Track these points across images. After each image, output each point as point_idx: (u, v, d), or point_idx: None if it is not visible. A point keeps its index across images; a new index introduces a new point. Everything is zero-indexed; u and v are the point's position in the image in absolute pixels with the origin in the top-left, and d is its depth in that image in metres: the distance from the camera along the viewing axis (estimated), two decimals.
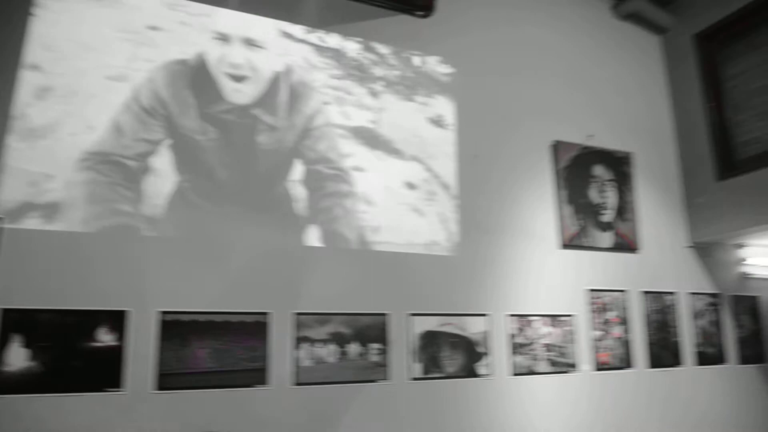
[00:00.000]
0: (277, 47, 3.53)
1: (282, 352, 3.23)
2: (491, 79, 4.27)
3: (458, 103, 4.06)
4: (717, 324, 4.85)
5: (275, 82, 3.50)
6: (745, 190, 4.50)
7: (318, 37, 3.71)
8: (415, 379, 3.51)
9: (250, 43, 3.47)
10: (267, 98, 3.47)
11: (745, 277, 5.17)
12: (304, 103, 3.53)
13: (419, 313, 3.60)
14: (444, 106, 4.00)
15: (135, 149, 3.10)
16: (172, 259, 3.08)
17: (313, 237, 3.41)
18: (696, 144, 4.90)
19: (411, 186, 3.76)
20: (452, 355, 3.65)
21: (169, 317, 3.01)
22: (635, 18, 5.10)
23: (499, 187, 4.09)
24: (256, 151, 3.38)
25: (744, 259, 5.17)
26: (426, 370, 3.54)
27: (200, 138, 3.25)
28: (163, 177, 3.15)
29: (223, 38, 3.41)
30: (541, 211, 4.20)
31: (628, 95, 4.93)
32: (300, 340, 3.28)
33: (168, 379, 2.96)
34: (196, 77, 3.31)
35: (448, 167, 3.92)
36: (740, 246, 5.17)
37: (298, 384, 3.23)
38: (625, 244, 4.45)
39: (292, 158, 3.47)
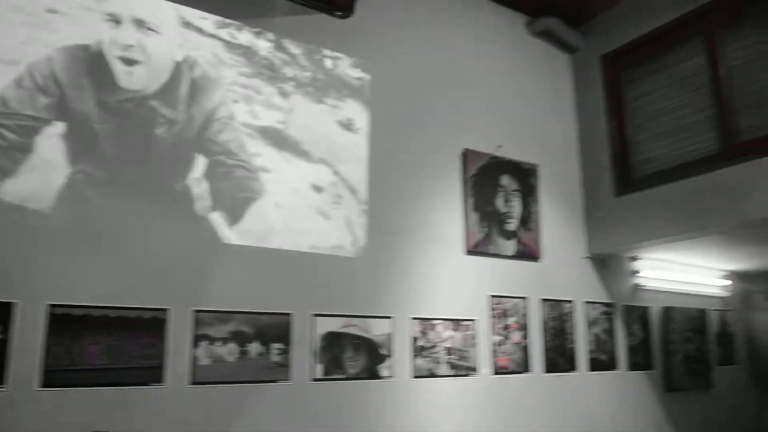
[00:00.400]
0: (177, 36, 3.46)
1: (180, 350, 3.19)
2: (405, 84, 4.37)
3: (370, 108, 4.13)
4: (610, 332, 5.15)
5: (176, 73, 3.44)
6: (641, 206, 4.82)
7: (229, 33, 3.68)
8: (317, 380, 3.54)
9: (142, 24, 3.38)
10: (167, 90, 3.40)
11: (637, 289, 5.54)
12: (207, 98, 3.49)
13: (323, 314, 3.63)
14: (355, 110, 4.06)
15: (20, 122, 2.95)
16: (65, 251, 2.98)
17: (215, 233, 3.38)
18: (598, 160, 5.20)
19: (318, 189, 3.80)
20: (355, 356, 3.71)
21: (59, 311, 2.91)
22: (548, 36, 5.36)
23: (408, 193, 4.20)
24: (155, 143, 3.31)
25: (637, 272, 5.53)
26: (328, 371, 3.58)
27: (97, 127, 3.15)
28: (55, 165, 3.04)
29: (115, 19, 3.30)
30: (448, 217, 4.34)
31: (537, 109, 5.17)
32: (199, 338, 3.24)
33: (56, 376, 2.85)
34: (94, 63, 3.21)
35: (356, 171, 3.99)
36: (634, 259, 5.52)
37: (196, 383, 3.19)
38: (528, 253, 4.66)
39: (194, 152, 3.42)
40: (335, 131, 3.95)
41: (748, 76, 4.40)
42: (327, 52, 4.02)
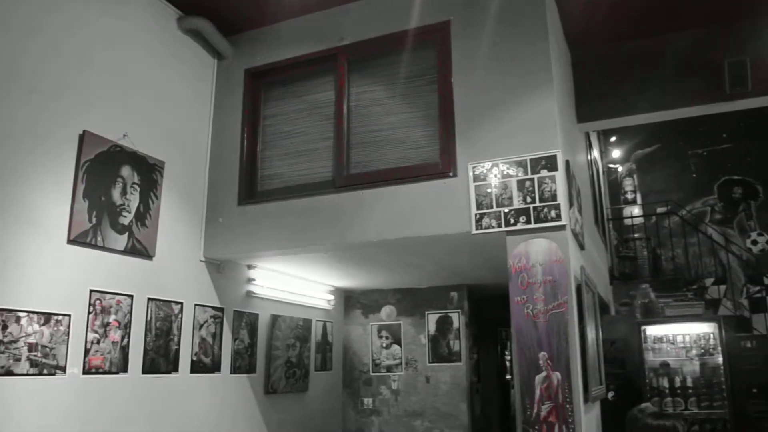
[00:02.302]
0: None
1: None
2: (24, 45, 4.03)
3: None
4: (217, 336, 5.43)
5: None
6: (260, 217, 5.28)
7: None
8: None
9: None
10: None
11: (250, 296, 5.97)
12: None
13: None
14: None
15: None
16: None
17: None
18: (226, 167, 5.53)
19: None
20: None
21: None
22: (197, 35, 5.51)
23: (5, 166, 3.83)
24: None
25: (252, 279, 5.96)
26: None
27: None
28: None
29: None
30: (51, 200, 4.10)
31: (174, 106, 5.27)
32: None
33: None
34: None
35: None
36: (250, 267, 5.95)
37: None
38: (140, 250, 4.67)
39: None
40: None
41: (361, 117, 5.20)
42: None
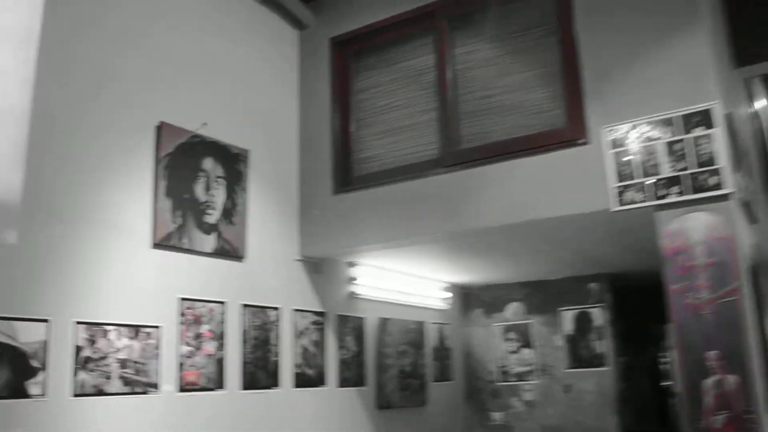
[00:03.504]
0: None
1: None
2: (92, 37, 4.24)
3: (39, 59, 3.90)
4: (320, 344, 5.53)
5: None
6: (359, 207, 5.31)
7: None
8: None
9: None
10: None
11: (353, 297, 6.03)
12: None
13: None
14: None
15: None
16: None
17: None
18: (318, 152, 5.60)
19: None
20: None
21: None
22: (274, 4, 5.60)
23: (83, 166, 4.06)
24: None
25: (354, 279, 6.02)
26: None
27: None
28: None
29: None
30: (133, 201, 4.30)
31: (255, 87, 5.39)
32: None
33: None
34: None
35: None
36: (351, 264, 6.01)
37: None
38: (230, 251, 4.82)
39: None
40: None
41: (469, 82, 5.10)
42: None
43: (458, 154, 4.98)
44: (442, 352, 7.41)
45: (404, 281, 6.74)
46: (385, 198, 5.18)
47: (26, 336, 3.64)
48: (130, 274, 4.21)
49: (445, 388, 7.37)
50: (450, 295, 7.58)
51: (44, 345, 3.71)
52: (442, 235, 5.02)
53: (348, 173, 5.52)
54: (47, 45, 3.86)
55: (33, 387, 3.64)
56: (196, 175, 4.71)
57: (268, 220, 5.27)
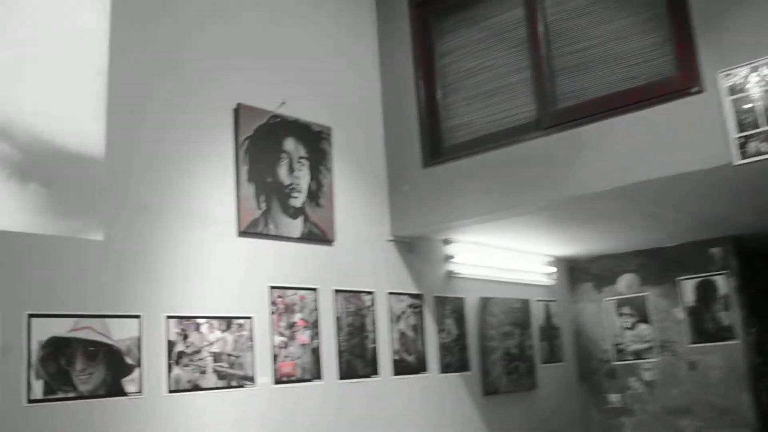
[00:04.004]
0: None
1: None
2: (158, 20, 4.31)
3: (111, 46, 4.01)
4: (418, 328, 5.52)
5: None
6: (452, 179, 5.25)
7: None
8: (35, 401, 3.41)
9: None
10: None
11: (452, 277, 5.99)
12: None
13: (42, 314, 3.50)
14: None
15: None
16: None
17: None
18: (404, 124, 5.57)
19: None
20: (89, 368, 3.63)
21: None
22: None
23: (163, 156, 4.17)
24: None
25: (451, 257, 5.99)
26: (50, 390, 3.47)
27: None
28: None
29: None
30: (215, 189, 4.39)
31: (332, 58, 5.39)
32: None
33: None
34: None
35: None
36: (447, 242, 5.97)
37: None
38: (318, 235, 4.87)
39: None
40: None
41: (563, 34, 4.94)
42: None
43: (556, 115, 4.84)
44: (549, 332, 7.30)
45: (505, 257, 6.66)
46: (480, 168, 5.10)
47: (119, 333, 3.79)
48: (218, 265, 4.31)
49: (556, 370, 7.26)
50: (555, 269, 7.45)
51: (137, 341, 3.85)
52: (544, 204, 4.91)
53: (438, 144, 5.46)
54: (119, 31, 3.99)
55: (129, 384, 3.78)
56: (279, 157, 4.76)
57: (356, 200, 5.29)
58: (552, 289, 7.44)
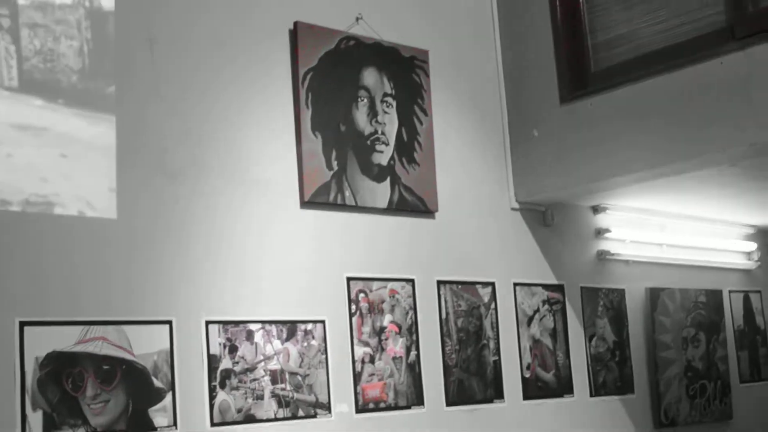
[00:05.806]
0: None
1: None
2: None
3: None
4: (558, 333, 5.41)
5: None
6: (603, 119, 5.08)
7: None
8: None
9: None
10: None
11: (604, 259, 5.83)
12: None
13: (38, 321, 3.55)
14: None
15: None
16: None
17: None
18: (531, 42, 5.46)
19: None
20: (103, 393, 3.67)
21: None
22: None
23: (197, 103, 4.15)
24: None
25: (605, 231, 5.82)
26: (52, 424, 3.52)
27: None
28: None
29: None
30: (268, 145, 4.35)
31: None
32: None
33: None
34: None
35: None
36: (597, 210, 5.81)
37: None
38: (414, 203, 4.80)
39: None
40: None
41: None
42: None
43: (756, 19, 4.60)
44: (751, 336, 7.07)
45: (684, 230, 6.48)
46: (645, 100, 4.90)
47: (143, 345, 3.81)
48: (275, 250, 4.28)
49: (761, 391, 7.05)
50: (755, 246, 7.20)
51: (168, 356, 3.87)
52: (741, 150, 4.69)
53: (583, 68, 5.30)
54: None
55: (158, 416, 3.81)
56: (355, 96, 4.70)
57: (464, 153, 5.21)
58: (754, 275, 7.22)
